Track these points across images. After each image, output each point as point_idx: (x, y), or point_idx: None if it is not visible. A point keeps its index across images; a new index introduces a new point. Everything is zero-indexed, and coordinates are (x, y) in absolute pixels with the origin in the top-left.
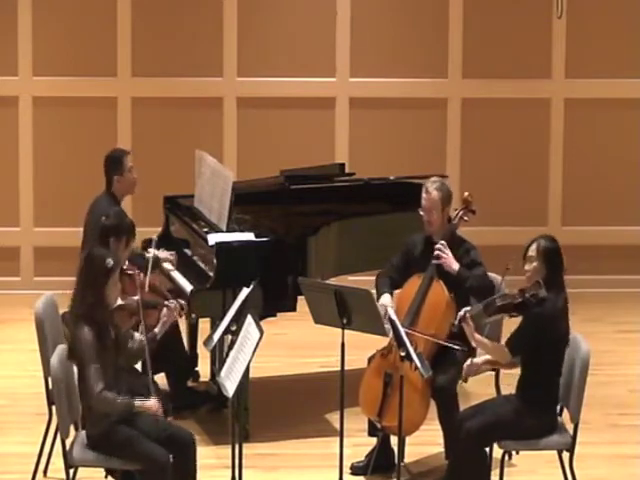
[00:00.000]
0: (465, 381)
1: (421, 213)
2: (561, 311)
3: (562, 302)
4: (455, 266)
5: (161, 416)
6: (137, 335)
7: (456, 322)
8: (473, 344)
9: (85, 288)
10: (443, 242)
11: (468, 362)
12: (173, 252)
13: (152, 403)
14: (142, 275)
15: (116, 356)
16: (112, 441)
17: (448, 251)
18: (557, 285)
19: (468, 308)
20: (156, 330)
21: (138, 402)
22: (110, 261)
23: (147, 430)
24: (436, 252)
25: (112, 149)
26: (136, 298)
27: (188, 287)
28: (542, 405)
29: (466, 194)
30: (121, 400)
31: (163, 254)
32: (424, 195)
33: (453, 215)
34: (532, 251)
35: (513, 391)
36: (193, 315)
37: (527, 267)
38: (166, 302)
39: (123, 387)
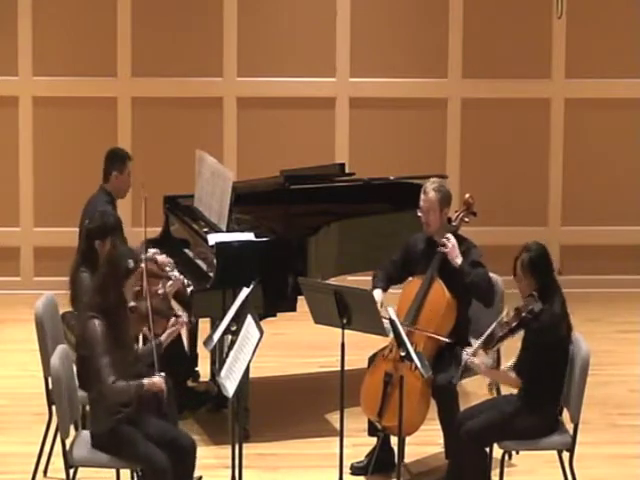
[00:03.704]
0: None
1: (419, 214)
2: (559, 315)
3: (559, 305)
4: (458, 260)
5: (164, 393)
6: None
7: (459, 374)
8: (486, 379)
9: (107, 287)
10: (450, 235)
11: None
12: (170, 260)
13: (157, 379)
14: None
15: (126, 356)
16: (115, 440)
17: (454, 242)
18: (550, 290)
19: (468, 350)
20: (162, 338)
21: (146, 380)
22: (131, 262)
23: (150, 432)
24: (442, 240)
25: (116, 147)
26: (146, 304)
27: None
28: (543, 405)
29: (467, 196)
30: (132, 384)
31: (161, 258)
32: (422, 196)
33: (454, 216)
34: (518, 269)
35: (513, 391)
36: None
37: (518, 284)
38: (178, 313)
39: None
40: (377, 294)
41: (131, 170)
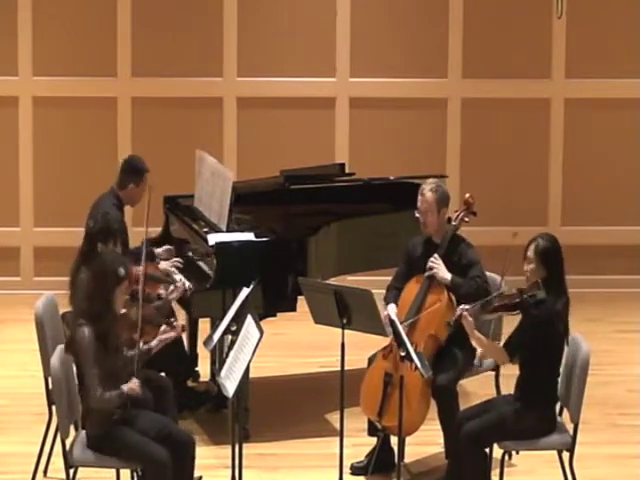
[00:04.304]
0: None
1: (417, 215)
2: (559, 314)
3: (561, 305)
4: (447, 276)
5: (140, 394)
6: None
7: (452, 320)
8: (473, 342)
9: (94, 294)
10: (436, 255)
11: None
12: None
13: (132, 383)
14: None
15: (115, 361)
16: (112, 441)
17: (440, 262)
18: (557, 287)
19: (466, 306)
20: (152, 344)
21: (124, 387)
22: (122, 270)
23: (147, 428)
24: (429, 265)
25: (136, 156)
26: (137, 311)
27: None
28: (540, 405)
29: (467, 195)
30: (115, 393)
31: (164, 264)
32: (419, 197)
33: (454, 216)
34: (530, 251)
35: (512, 392)
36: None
37: (526, 267)
38: (170, 320)
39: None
40: (392, 309)
41: (146, 182)
